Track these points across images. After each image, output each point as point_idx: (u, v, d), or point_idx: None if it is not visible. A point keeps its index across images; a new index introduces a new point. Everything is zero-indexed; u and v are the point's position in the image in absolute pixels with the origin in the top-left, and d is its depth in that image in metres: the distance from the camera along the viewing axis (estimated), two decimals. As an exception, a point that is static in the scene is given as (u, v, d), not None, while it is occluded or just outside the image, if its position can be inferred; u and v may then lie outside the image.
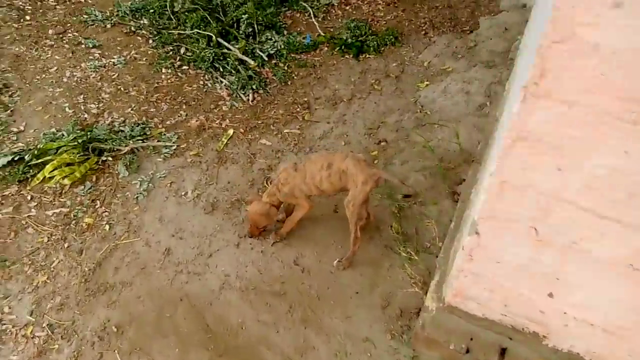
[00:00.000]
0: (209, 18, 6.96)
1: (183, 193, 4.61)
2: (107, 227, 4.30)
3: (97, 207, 4.49)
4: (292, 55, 6.74)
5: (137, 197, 4.57)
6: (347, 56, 6.69)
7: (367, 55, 6.67)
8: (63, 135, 5.10)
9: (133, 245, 4.13)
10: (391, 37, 6.87)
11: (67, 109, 5.61)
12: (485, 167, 3.25)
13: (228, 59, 6.41)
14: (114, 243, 4.15)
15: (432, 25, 7.21)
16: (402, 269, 3.73)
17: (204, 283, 3.76)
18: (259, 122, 5.52)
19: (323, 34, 7.15)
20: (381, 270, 3.78)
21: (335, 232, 4.09)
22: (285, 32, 7.19)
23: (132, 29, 7.10)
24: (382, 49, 6.76)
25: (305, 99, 5.89)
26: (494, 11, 7.32)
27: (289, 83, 6.20)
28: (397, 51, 6.70)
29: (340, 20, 7.57)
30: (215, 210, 4.41)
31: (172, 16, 7.19)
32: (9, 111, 5.49)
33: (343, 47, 6.81)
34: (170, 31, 7.00)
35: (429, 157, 4.65)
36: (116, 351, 3.39)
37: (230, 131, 5.35)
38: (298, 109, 5.73)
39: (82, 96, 5.81)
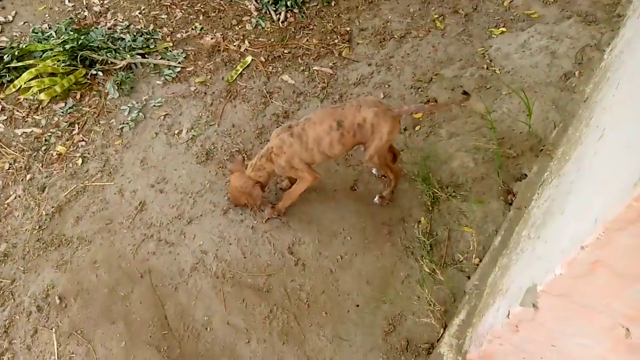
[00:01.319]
0: None
1: (177, 131, 3.80)
2: (80, 160, 3.60)
3: (74, 132, 3.76)
4: (344, -33, 5.48)
5: (122, 128, 3.80)
6: (410, -23, 5.39)
7: (436, -19, 5.34)
8: (52, 36, 4.26)
9: (104, 191, 3.43)
10: (470, -40, 5.45)
11: (66, 2, 4.74)
12: (564, 201, 2.28)
13: (265, -38, 5.24)
14: (83, 184, 3.47)
15: (525, -50, 5.69)
16: (420, 286, 2.90)
17: (174, 258, 3.06)
18: (286, 51, 4.51)
19: (386, -55, 5.78)
20: (394, 281, 2.96)
21: (347, 216, 3.25)
22: (341, -64, 5.85)
23: None
24: (456, -26, 5.39)
25: (348, 29, 4.77)
26: (609, -58, 5.70)
27: (333, 4, 5.04)
28: (475, -20, 5.33)
29: None
30: (209, 161, 3.61)
31: None
32: (-1, -5, 4.66)
33: (408, -35, 5.47)
34: None
35: (486, 135, 3.61)
36: (53, 329, 2.82)
37: (249, 58, 4.38)
38: (336, 41, 4.64)
39: (86, -13, 4.88)
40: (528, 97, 3.81)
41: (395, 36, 4.69)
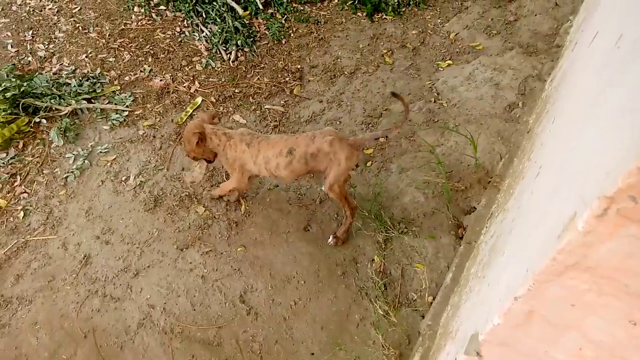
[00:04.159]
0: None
1: (124, 178, 3.70)
2: (21, 214, 3.45)
3: (15, 184, 3.62)
4: (294, 5, 5.57)
5: (66, 177, 3.68)
6: (359, 14, 5.51)
7: (384, 16, 5.48)
8: (-8, 83, 4.12)
9: (47, 245, 3.29)
10: (417, -5, 5.63)
11: (9, 47, 4.62)
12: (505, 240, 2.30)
13: (215, 2, 5.26)
14: (24, 238, 3.31)
15: (468, -16, 5.92)
16: (375, 330, 2.86)
17: (120, 315, 2.94)
18: (237, 90, 4.49)
19: (336, -18, 5.92)
20: (349, 325, 2.91)
21: (300, 259, 3.20)
22: (290, -26, 5.96)
23: (109, -50, 5.91)
24: (403, 9, 5.56)
25: (299, 66, 4.81)
26: (545, -24, 5.99)
27: (283, 42, 5.09)
28: (421, 15, 5.49)
29: (358, -35, 6.27)
30: (157, 207, 3.51)
31: (158, -62, 5.97)
32: (-63, 42, 4.50)
33: (356, 1, 5.60)
34: (153, -43, 5.80)
35: (435, 169, 3.65)
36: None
37: (199, 99, 4.34)
38: (287, 79, 4.67)
39: (30, 32, 4.78)
40: (474, 129, 3.91)
41: (346, 72, 4.76)
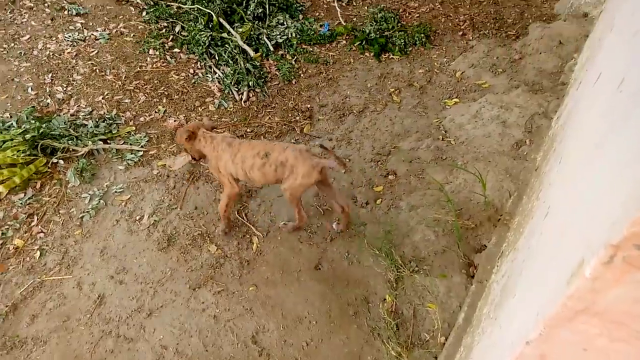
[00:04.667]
0: (214, -9, 5.99)
1: (138, 217, 3.76)
2: (37, 253, 3.51)
3: (32, 224, 3.69)
4: (304, 46, 5.75)
5: (82, 217, 3.75)
6: (367, 54, 5.68)
7: (391, 56, 5.64)
8: (13, 125, 4.26)
9: (62, 285, 3.33)
10: (422, 35, 5.80)
11: (29, 90, 4.79)
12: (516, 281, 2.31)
13: (227, 45, 5.45)
14: (40, 278, 3.36)
15: (472, 24, 6.10)
16: (387, 371, 2.84)
17: (134, 356, 2.94)
18: (249, 130, 4.60)
19: (344, 24, 6.12)
20: (361, 367, 2.89)
21: (312, 298, 3.21)
22: (300, 17, 6.19)
23: (127, -5, 6.19)
24: (409, 49, 5.71)
25: (309, 105, 4.93)
26: (546, 15, 6.15)
27: (294, 82, 5.24)
28: (427, 54, 5.64)
29: (367, 7, 6.50)
30: (171, 247, 3.56)
31: (173, -15, 6.25)
32: (-39, 85, 4.68)
33: (364, 42, 5.78)
34: (168, 3, 6.06)
35: (445, 207, 3.68)
36: None
37: (212, 139, 4.44)
38: (297, 118, 4.78)
39: (50, 75, 4.96)
40: (483, 166, 3.95)
41: (354, 111, 4.86)
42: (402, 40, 5.73)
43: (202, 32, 5.44)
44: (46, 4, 5.90)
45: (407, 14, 6.38)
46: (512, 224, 3.39)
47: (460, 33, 5.95)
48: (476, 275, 3.20)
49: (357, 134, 4.59)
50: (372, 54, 5.64)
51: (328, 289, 3.26)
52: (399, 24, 6.08)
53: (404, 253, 3.45)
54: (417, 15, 6.35)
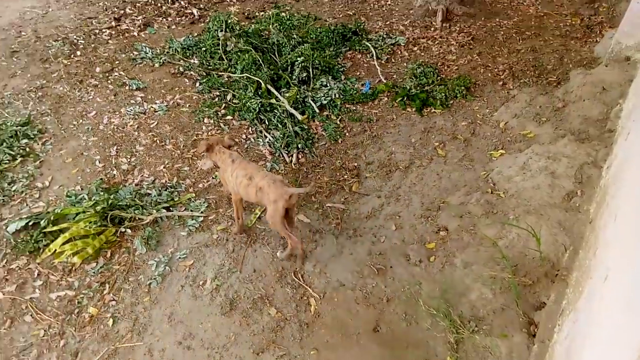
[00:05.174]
0: (261, 60, 6.38)
1: (201, 282, 3.96)
2: (110, 321, 3.74)
3: (104, 292, 3.95)
4: (347, 106, 6.00)
5: (150, 284, 3.98)
6: (409, 109, 5.85)
7: (433, 110, 5.79)
8: (84, 198, 4.63)
9: (134, 352, 3.52)
10: (462, 87, 5.95)
11: (97, 163, 5.19)
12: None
13: (276, 110, 5.77)
14: (114, 345, 3.57)
15: (511, 73, 6.21)
16: None
17: (204, 422, 3.07)
18: (300, 191, 4.79)
19: (384, 81, 6.36)
20: None
21: (372, 360, 3.26)
22: (342, 77, 6.47)
23: (181, 69, 6.67)
24: (451, 102, 5.86)
25: (356, 164, 5.11)
26: (586, 59, 6.20)
27: (340, 141, 5.45)
28: (468, 106, 5.76)
29: (405, 63, 6.74)
30: (233, 311, 3.72)
31: (223, 56, 6.70)
32: (38, 162, 5.14)
33: (405, 98, 5.97)
34: (219, 73, 6.50)
35: (499, 263, 3.70)
36: None
37: (266, 202, 4.66)
38: (345, 176, 4.96)
39: (115, 148, 5.37)
40: (534, 220, 3.96)
41: (401, 167, 5.00)
42: (443, 94, 5.89)
43: (252, 99, 5.79)
44: (109, 81, 6.44)
45: (445, 67, 6.56)
46: (571, 280, 3.37)
47: (501, 83, 6.06)
48: (537, 335, 3.18)
49: (405, 189, 4.70)
50: (414, 109, 5.82)
51: (388, 352, 3.31)
52: (439, 78, 6.26)
53: (462, 312, 3.47)
54: (456, 67, 6.53)
